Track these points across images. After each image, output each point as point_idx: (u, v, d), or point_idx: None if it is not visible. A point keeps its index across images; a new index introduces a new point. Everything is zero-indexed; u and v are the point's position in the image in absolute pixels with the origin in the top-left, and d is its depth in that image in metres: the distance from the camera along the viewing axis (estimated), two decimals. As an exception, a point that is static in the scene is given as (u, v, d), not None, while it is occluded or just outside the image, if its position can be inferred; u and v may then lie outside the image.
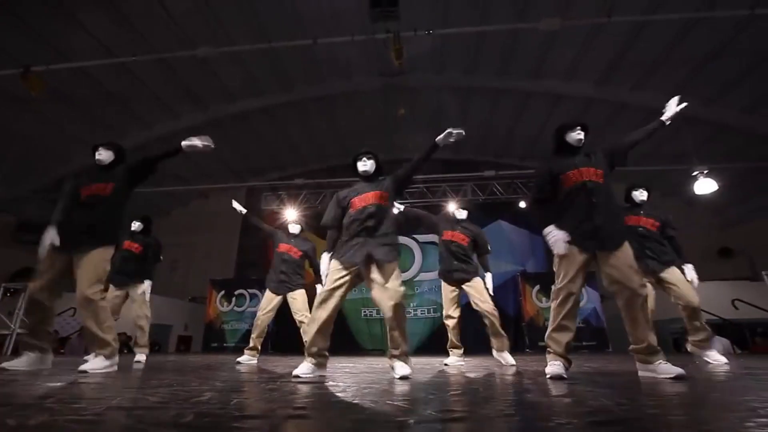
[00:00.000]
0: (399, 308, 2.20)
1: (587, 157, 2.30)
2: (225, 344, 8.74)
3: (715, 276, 8.22)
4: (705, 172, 7.41)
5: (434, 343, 8.15)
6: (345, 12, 6.71)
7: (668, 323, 7.37)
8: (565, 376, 1.97)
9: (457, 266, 3.67)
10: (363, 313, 9.17)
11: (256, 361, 3.90)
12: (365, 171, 2.54)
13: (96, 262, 2.45)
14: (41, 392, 1.39)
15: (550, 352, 2.13)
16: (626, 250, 2.08)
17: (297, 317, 3.99)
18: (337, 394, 1.44)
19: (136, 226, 4.25)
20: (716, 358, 3.19)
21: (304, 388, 1.58)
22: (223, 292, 9.17)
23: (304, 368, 2.14)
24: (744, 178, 8.46)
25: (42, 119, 7.64)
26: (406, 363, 2.18)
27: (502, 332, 3.47)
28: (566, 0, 6.27)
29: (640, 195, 3.64)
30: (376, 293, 2.26)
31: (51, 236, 2.45)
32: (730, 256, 9.77)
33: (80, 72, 6.62)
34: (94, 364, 2.33)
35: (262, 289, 4.39)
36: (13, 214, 8.85)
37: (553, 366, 2.03)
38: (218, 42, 6.47)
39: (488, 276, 3.72)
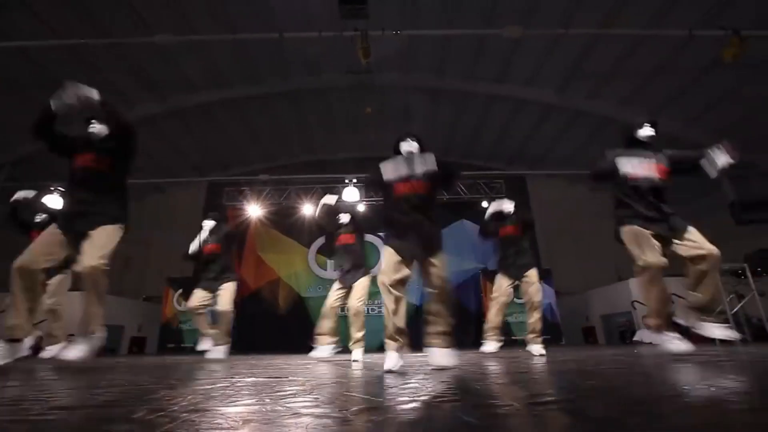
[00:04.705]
0: (446, 283, 2.29)
1: (656, 153, 2.51)
2: (182, 344, 8.40)
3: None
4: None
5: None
6: (315, 7, 6.63)
7: (617, 317, 7.91)
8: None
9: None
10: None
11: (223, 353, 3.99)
12: (409, 152, 2.52)
13: (108, 233, 2.46)
14: (-25, 395, 1.30)
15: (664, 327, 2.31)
16: (693, 232, 2.30)
17: (220, 309, 4.00)
18: (296, 388, 1.44)
19: None
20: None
21: (258, 382, 1.58)
22: (180, 291, 8.78)
23: (394, 360, 2.07)
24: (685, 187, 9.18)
25: (-24, 103, 6.98)
26: (446, 346, 2.20)
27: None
28: (528, 10, 6.55)
29: None
30: (428, 274, 2.30)
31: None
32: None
33: (20, 53, 6.10)
34: (78, 350, 2.25)
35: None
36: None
37: (674, 341, 2.26)
38: (179, 29, 6.18)
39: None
